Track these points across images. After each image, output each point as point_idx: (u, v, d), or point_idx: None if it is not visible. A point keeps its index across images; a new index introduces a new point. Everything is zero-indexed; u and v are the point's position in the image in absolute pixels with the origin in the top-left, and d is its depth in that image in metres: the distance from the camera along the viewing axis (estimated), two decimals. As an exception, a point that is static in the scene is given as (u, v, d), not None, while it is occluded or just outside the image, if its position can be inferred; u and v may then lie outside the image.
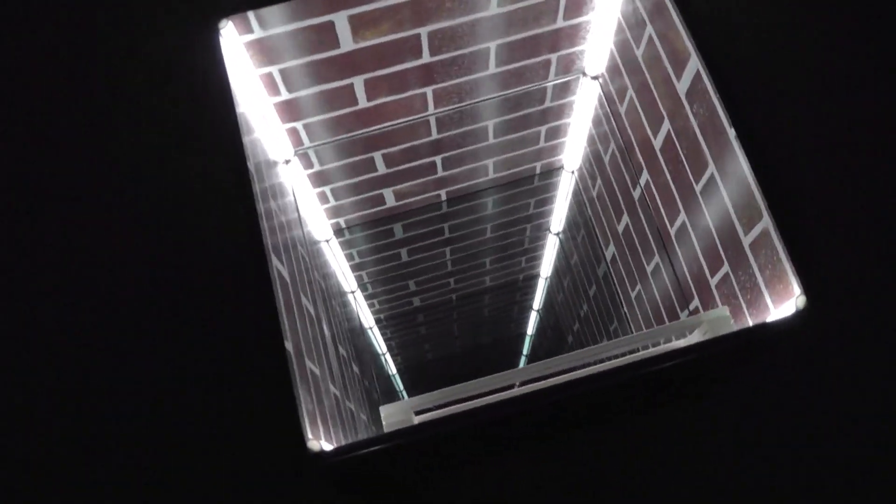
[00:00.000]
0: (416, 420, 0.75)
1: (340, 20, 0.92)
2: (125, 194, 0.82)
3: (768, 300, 0.83)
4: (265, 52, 0.92)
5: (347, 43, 0.96)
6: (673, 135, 0.96)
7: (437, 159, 1.27)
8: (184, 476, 0.72)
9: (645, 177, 1.08)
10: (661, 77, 0.93)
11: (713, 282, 0.95)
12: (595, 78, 1.15)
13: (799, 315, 0.74)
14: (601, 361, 0.84)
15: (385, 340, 2.12)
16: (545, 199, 1.54)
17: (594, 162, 1.31)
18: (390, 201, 1.36)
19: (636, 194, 1.14)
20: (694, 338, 0.79)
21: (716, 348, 0.74)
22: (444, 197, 1.40)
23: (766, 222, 0.79)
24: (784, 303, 0.78)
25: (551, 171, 1.44)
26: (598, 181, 1.31)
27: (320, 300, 1.17)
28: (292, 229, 1.08)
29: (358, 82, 1.03)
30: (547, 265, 1.85)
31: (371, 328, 1.88)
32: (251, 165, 0.81)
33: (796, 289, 0.75)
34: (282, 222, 1.04)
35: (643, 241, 1.17)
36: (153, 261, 0.79)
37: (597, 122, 1.24)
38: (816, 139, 0.82)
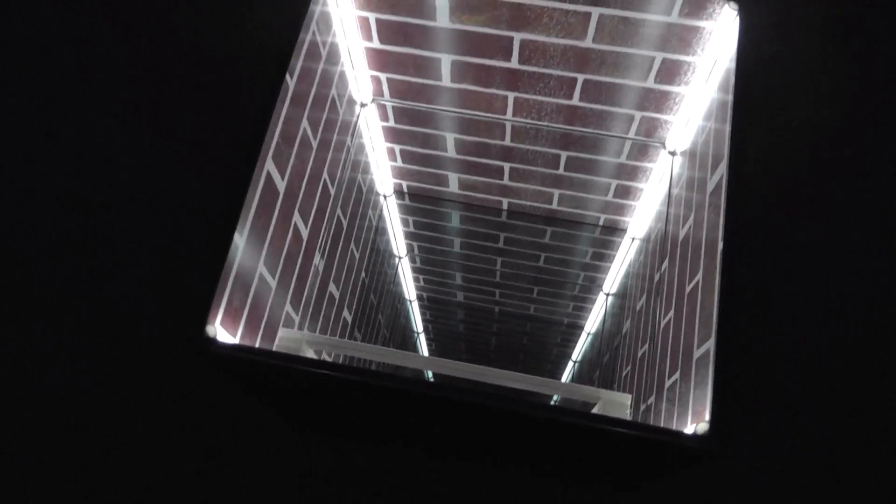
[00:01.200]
0: (308, 353, 0.79)
1: (441, -4, 0.97)
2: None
3: (689, 418, 0.81)
4: (364, -5, 0.99)
5: (444, 19, 1.01)
6: (690, 235, 0.94)
7: (506, 166, 1.30)
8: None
9: (665, 265, 1.06)
10: (702, 177, 0.92)
11: (667, 384, 0.93)
12: (672, 153, 1.14)
13: (695, 439, 0.72)
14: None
15: (423, 321, 2.17)
16: (603, 255, 1.53)
17: (646, 239, 1.28)
18: (454, 186, 1.40)
19: (655, 278, 1.12)
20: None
21: (599, 425, 0.73)
22: (505, 206, 1.43)
23: (711, 343, 0.77)
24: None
25: (615, 230, 1.42)
26: (641, 258, 1.29)
27: (360, 245, 1.23)
28: (347, 164, 1.15)
29: (446, 60, 1.08)
30: (592, 321, 1.82)
31: (412, 302, 1.93)
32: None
33: (706, 415, 0.73)
34: (338, 154, 1.11)
35: (644, 326, 1.15)
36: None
37: (663, 200, 1.22)
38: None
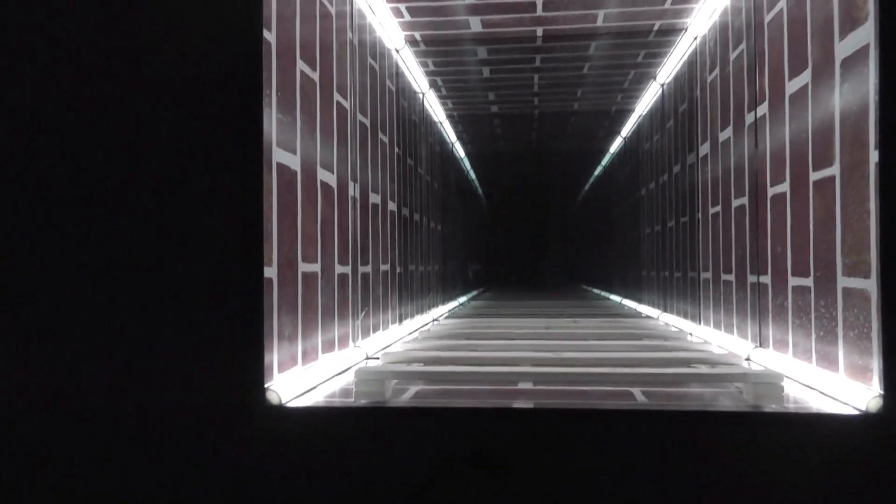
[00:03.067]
0: (390, 394, 0.68)
1: None
2: None
3: (841, 366, 0.70)
4: None
5: None
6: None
7: (538, 1, 1.07)
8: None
9: (764, 109, 0.89)
10: None
11: (792, 283, 0.81)
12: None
13: (869, 417, 0.62)
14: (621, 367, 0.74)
15: (457, 133, 2.01)
16: (657, 54, 1.32)
17: (720, 46, 1.08)
18: (476, 27, 1.17)
19: (748, 119, 0.94)
20: (733, 392, 0.68)
21: (766, 421, 0.63)
22: (539, 33, 1.21)
23: (872, 285, 0.63)
24: (856, 390, 0.64)
25: (671, 31, 1.21)
26: (717, 71, 1.09)
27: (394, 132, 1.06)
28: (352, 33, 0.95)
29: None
30: (643, 104, 1.65)
31: (441, 123, 1.77)
32: None
33: (876, 384, 0.62)
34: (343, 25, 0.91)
35: (731, 168, 1.00)
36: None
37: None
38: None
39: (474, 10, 1.10)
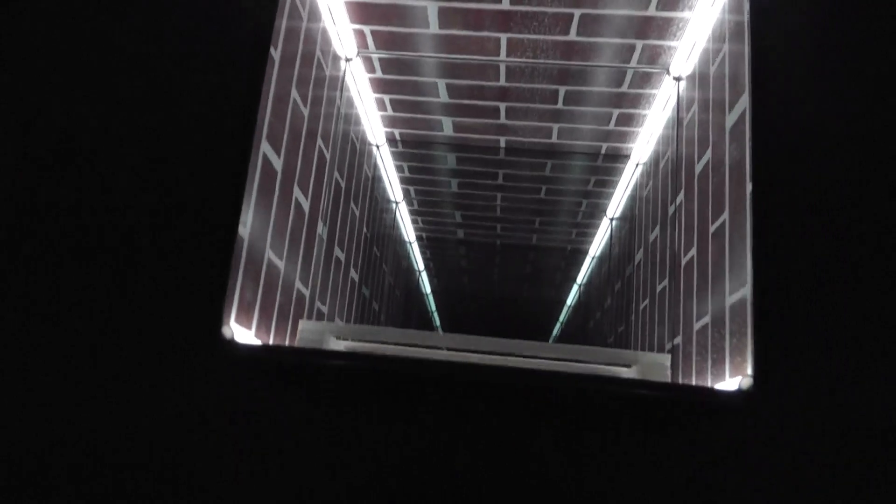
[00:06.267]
0: (332, 346, 0.77)
1: (423, -61, 0.90)
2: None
3: (727, 368, 0.79)
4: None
5: (428, -36, 0.94)
6: (710, 166, 0.90)
7: (502, 106, 1.24)
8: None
9: (680, 198, 1.03)
10: (719, 101, 0.87)
11: (696, 326, 0.92)
12: (678, 79, 1.09)
13: (740, 395, 0.71)
14: (535, 359, 0.82)
15: (424, 260, 2.14)
16: (606, 182, 1.49)
17: (652, 163, 1.25)
18: (448, 130, 1.34)
19: (670, 210, 1.09)
20: (624, 374, 0.77)
21: (645, 391, 0.72)
22: (502, 144, 1.38)
23: (747, 290, 0.74)
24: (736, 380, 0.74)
25: (617, 157, 1.38)
26: (650, 184, 1.25)
27: (361, 202, 1.19)
28: (339, 122, 1.09)
29: (432, 7, 1.01)
30: (596, 245, 1.80)
31: (411, 244, 1.90)
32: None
33: (749, 368, 0.72)
34: (329, 112, 1.05)
35: (661, 260, 1.13)
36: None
37: (667, 125, 1.18)
38: (829, 227, 0.75)
39: (447, 109, 1.27)
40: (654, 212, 1.23)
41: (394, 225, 1.69)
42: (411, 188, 1.63)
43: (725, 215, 0.84)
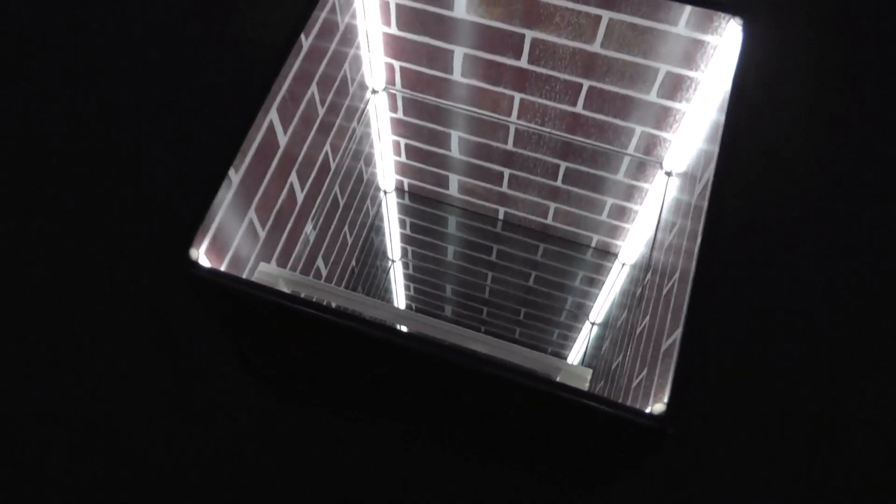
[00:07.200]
0: (284, 289, 0.80)
1: (460, -17, 1.01)
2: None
3: (651, 401, 0.81)
4: (387, -26, 1.03)
5: (461, 10, 1.04)
6: (675, 284, 0.95)
7: (506, 172, 1.32)
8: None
9: (647, 320, 1.07)
10: (698, 209, 0.93)
11: (633, 383, 0.93)
12: (668, 174, 1.16)
13: (651, 417, 0.72)
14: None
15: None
16: (593, 281, 1.53)
17: (637, 267, 1.30)
18: (454, 189, 1.42)
19: (637, 329, 1.12)
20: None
21: (561, 394, 0.73)
22: (501, 216, 1.44)
23: (678, 334, 0.77)
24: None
25: (606, 254, 1.44)
26: (632, 291, 1.30)
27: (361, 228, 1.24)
28: (350, 152, 1.17)
29: (458, 53, 1.11)
30: (574, 352, 1.82)
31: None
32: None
33: (666, 397, 0.73)
34: (343, 133, 1.13)
35: (618, 387, 1.15)
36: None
37: (656, 225, 1.24)
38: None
39: (456, 166, 1.35)
40: (625, 326, 1.26)
41: (385, 284, 1.74)
42: (409, 248, 1.68)
43: (676, 276, 0.88)
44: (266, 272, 0.82)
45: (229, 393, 0.81)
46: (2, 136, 0.86)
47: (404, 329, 0.79)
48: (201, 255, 0.81)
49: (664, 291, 0.92)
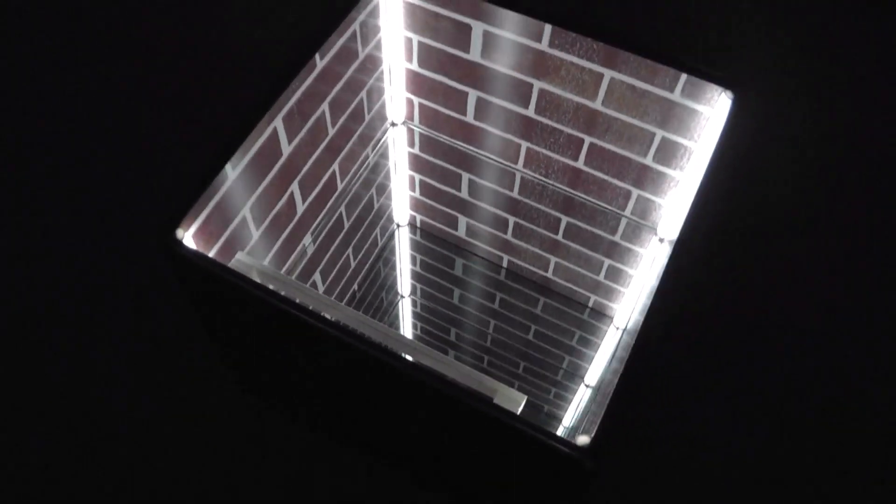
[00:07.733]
0: (257, 279, 0.84)
1: (478, 28, 1.06)
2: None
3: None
4: (413, 16, 1.09)
5: (476, 54, 1.10)
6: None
7: (511, 220, 1.35)
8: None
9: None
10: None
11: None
12: (661, 241, 1.17)
13: (574, 448, 0.73)
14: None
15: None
16: (588, 343, 1.54)
17: (633, 331, 1.30)
18: (461, 230, 1.46)
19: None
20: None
21: (493, 414, 0.75)
22: (504, 264, 1.47)
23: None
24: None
25: (602, 316, 1.44)
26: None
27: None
28: (361, 177, 1.23)
29: (472, 95, 1.16)
30: (568, 417, 1.81)
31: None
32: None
33: (594, 430, 0.74)
34: (355, 157, 1.19)
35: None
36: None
37: (650, 293, 1.25)
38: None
39: (465, 208, 1.39)
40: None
41: (391, 320, 1.78)
42: (418, 285, 1.72)
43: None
44: (242, 261, 0.87)
45: (196, 372, 0.85)
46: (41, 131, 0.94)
47: (358, 331, 0.82)
48: (188, 236, 0.86)
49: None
